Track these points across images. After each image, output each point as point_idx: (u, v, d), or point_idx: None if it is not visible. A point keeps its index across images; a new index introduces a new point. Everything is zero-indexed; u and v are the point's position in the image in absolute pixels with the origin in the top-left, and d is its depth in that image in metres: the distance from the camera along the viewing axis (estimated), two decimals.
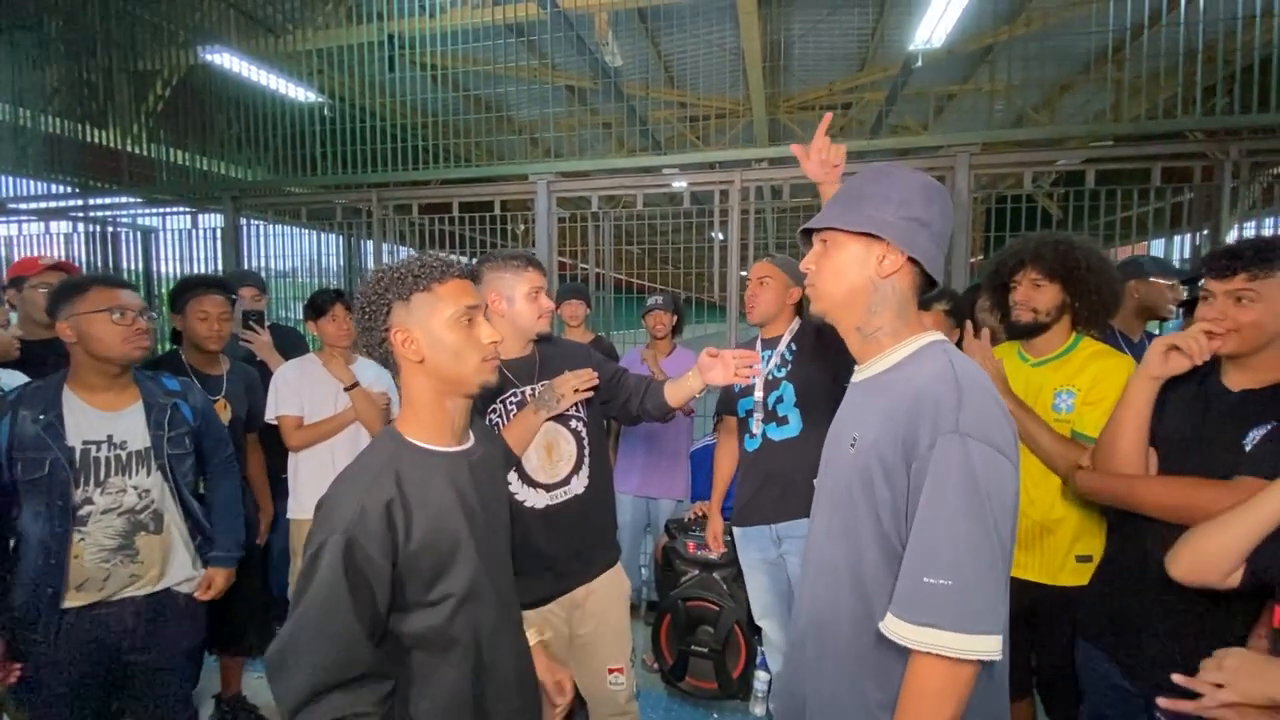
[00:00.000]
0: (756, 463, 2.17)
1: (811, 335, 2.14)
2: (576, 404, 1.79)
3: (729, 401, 2.32)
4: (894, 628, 0.92)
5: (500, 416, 1.74)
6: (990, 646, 0.88)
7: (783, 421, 2.13)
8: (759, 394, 2.17)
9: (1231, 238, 3.16)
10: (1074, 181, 3.35)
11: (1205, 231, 3.29)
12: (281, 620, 2.92)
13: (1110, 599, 1.44)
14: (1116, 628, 1.41)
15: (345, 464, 2.59)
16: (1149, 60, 3.40)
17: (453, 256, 1.15)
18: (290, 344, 3.06)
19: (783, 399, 2.13)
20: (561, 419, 1.78)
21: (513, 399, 1.76)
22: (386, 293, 1.09)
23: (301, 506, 2.58)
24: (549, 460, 1.77)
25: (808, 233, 1.15)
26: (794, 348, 2.15)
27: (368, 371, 2.67)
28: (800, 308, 2.24)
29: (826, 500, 1.12)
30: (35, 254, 4.54)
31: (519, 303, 1.73)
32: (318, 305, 2.57)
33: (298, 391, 2.54)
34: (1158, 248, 3.62)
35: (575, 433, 1.81)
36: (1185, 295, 2.37)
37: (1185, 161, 3.21)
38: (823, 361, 2.09)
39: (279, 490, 2.72)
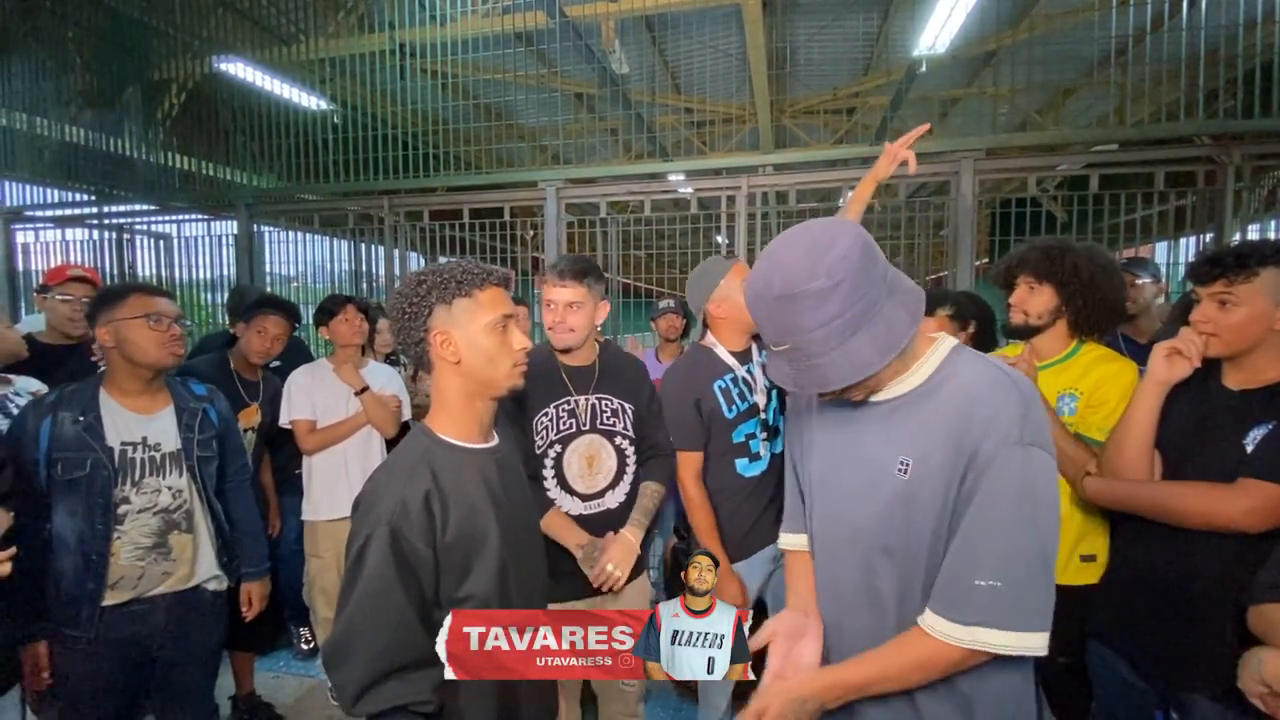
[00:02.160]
0: (760, 486, 1.97)
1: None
2: (620, 417, 1.84)
3: (703, 434, 1.94)
4: (939, 626, 0.93)
5: (551, 421, 1.77)
6: (1040, 643, 0.92)
7: (776, 433, 2.01)
8: (763, 413, 1.98)
9: (1235, 241, 3.18)
10: (1078, 185, 3.38)
11: (1209, 235, 3.31)
12: (293, 618, 2.97)
13: (1121, 599, 1.47)
14: (1128, 627, 1.44)
15: (358, 466, 2.67)
16: (1152, 64, 3.43)
17: (491, 265, 1.19)
18: (295, 353, 3.12)
19: (774, 410, 2.02)
20: (607, 434, 1.82)
21: (564, 406, 1.79)
22: (429, 295, 1.13)
23: (315, 509, 2.63)
24: (588, 471, 1.81)
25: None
26: (766, 355, 2.05)
27: (378, 375, 2.72)
28: None
29: (861, 534, 1.04)
30: (65, 261, 4.63)
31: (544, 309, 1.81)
32: (329, 308, 2.62)
33: (310, 396, 2.59)
34: (1161, 251, 3.64)
35: (619, 449, 1.84)
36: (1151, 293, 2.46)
37: (1189, 165, 3.24)
38: None
39: (287, 488, 2.80)
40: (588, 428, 1.81)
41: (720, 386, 1.95)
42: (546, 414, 1.77)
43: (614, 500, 1.84)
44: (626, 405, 1.85)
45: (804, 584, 1.18)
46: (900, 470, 0.98)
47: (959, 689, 0.99)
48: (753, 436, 1.97)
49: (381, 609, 1.01)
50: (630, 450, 1.85)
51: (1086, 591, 1.65)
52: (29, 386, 2.01)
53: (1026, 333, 1.77)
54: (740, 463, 1.98)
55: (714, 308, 1.98)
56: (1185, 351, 1.34)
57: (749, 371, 2.00)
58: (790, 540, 1.26)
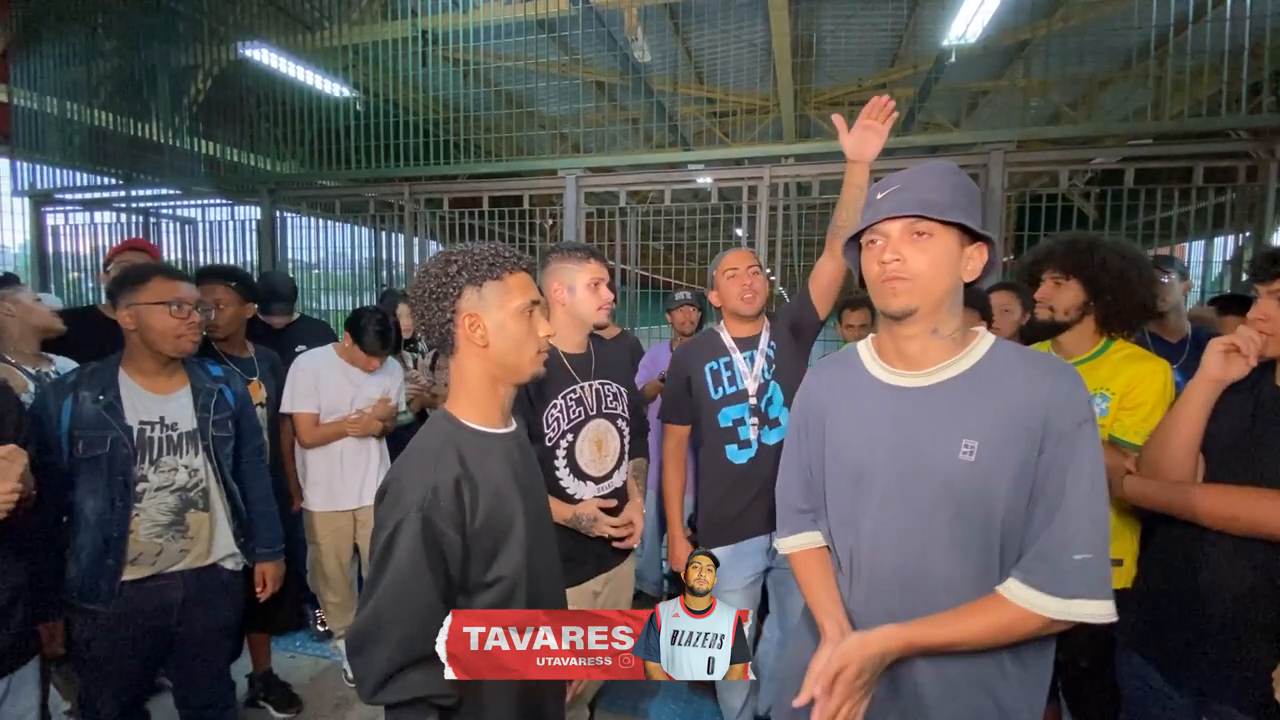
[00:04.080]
0: (750, 474, 2.01)
1: (786, 331, 2.07)
2: (619, 401, 1.90)
3: (689, 410, 2.10)
4: (1031, 599, 0.96)
5: (561, 412, 1.79)
6: (1112, 608, 0.96)
7: (775, 424, 2.03)
8: (754, 399, 2.01)
9: (1276, 239, 3.07)
10: (1110, 180, 3.28)
11: (1247, 233, 3.21)
12: (309, 600, 2.99)
13: (1156, 606, 1.43)
14: (1162, 635, 1.39)
15: (353, 459, 2.64)
16: (1192, 56, 3.31)
17: (517, 250, 1.18)
18: (319, 336, 3.13)
19: (773, 400, 2.03)
20: (610, 416, 1.88)
21: (572, 395, 1.81)
22: (459, 275, 1.11)
23: (310, 499, 2.64)
24: (599, 455, 1.86)
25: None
26: (774, 345, 2.07)
27: (383, 372, 2.71)
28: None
29: (919, 515, 1.05)
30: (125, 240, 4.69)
31: (580, 292, 1.80)
32: (360, 331, 2.55)
33: (315, 388, 2.56)
34: (1197, 249, 3.54)
35: (620, 430, 1.91)
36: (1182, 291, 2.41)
37: (1228, 161, 3.13)
38: (799, 358, 2.07)
39: None
40: (594, 413, 1.85)
41: (711, 368, 2.05)
42: (555, 405, 1.78)
43: (620, 479, 1.92)
44: (623, 389, 1.92)
45: (823, 588, 1.15)
46: (966, 453, 1.00)
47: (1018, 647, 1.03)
48: (741, 422, 2.03)
49: (409, 598, 1.00)
50: (628, 430, 1.93)
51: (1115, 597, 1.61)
52: (67, 367, 2.04)
53: (1052, 329, 1.72)
54: (730, 449, 2.04)
55: (712, 295, 2.13)
56: (1244, 349, 1.28)
57: (748, 358, 2.05)
58: (799, 540, 1.23)
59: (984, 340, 1.08)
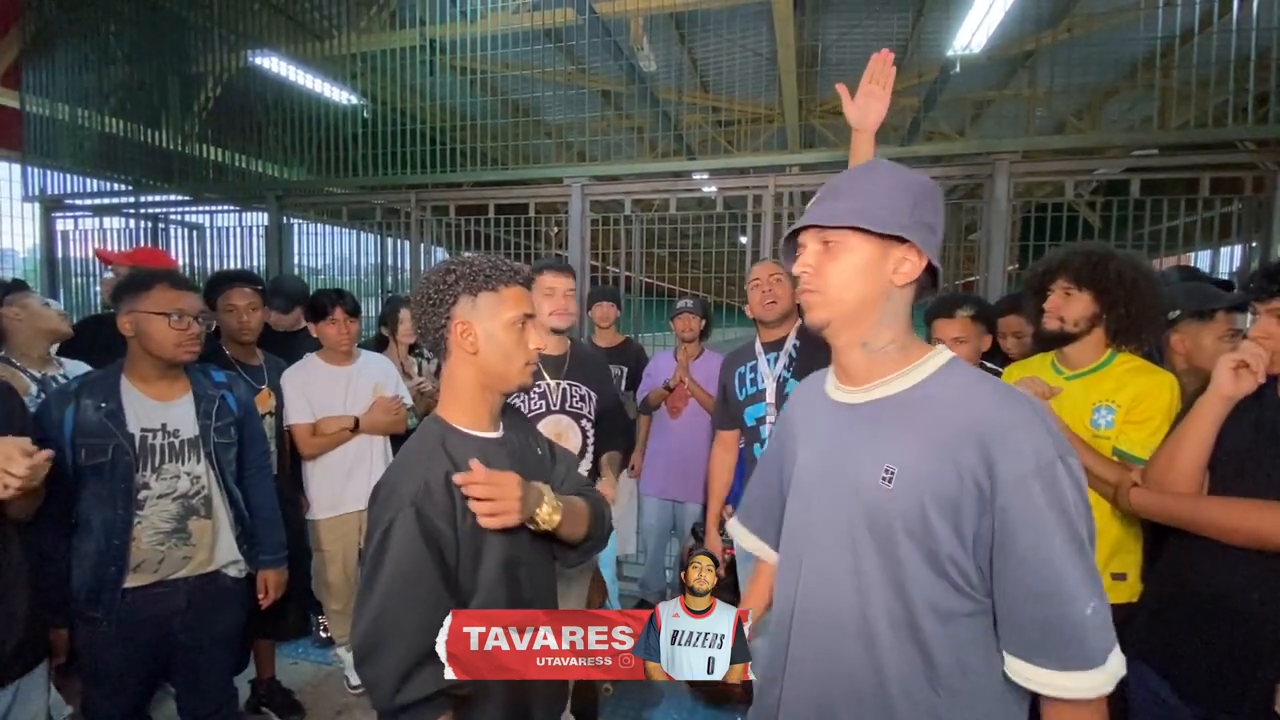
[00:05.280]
0: None
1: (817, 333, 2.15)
2: (586, 403, 2.08)
3: (730, 416, 2.29)
4: (1083, 684, 0.81)
5: (521, 402, 1.98)
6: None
7: None
8: (771, 398, 2.13)
9: None
10: (1115, 190, 3.27)
11: (1254, 244, 3.19)
12: (312, 607, 2.99)
13: (1164, 617, 1.42)
14: (1170, 647, 1.39)
15: (357, 459, 2.61)
16: (1198, 66, 3.31)
17: (518, 263, 1.21)
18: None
19: None
20: (574, 415, 2.06)
21: (535, 390, 2.00)
22: (456, 284, 1.15)
23: (314, 507, 2.64)
24: None
25: (793, 235, 1.03)
26: (798, 344, 2.15)
27: (371, 367, 2.70)
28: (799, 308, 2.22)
29: (838, 541, 0.95)
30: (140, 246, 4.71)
31: (537, 298, 2.00)
32: (318, 307, 2.55)
33: (306, 397, 2.54)
34: (1204, 260, 3.52)
35: (583, 429, 2.08)
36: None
37: (1235, 172, 3.12)
38: (824, 357, 2.12)
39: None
40: (557, 408, 2.03)
41: (740, 372, 2.23)
42: (517, 396, 1.91)
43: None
44: (592, 393, 2.10)
45: (757, 599, 1.16)
46: (885, 479, 0.89)
47: None
48: (762, 421, 2.16)
49: (413, 589, 1.00)
50: (592, 431, 2.09)
51: (1116, 611, 1.60)
52: (78, 370, 2.05)
53: (1060, 340, 1.71)
54: (756, 448, 2.19)
55: (747, 309, 2.28)
56: (1253, 365, 1.28)
57: (771, 359, 2.18)
58: (755, 545, 1.24)
59: (935, 359, 0.96)
